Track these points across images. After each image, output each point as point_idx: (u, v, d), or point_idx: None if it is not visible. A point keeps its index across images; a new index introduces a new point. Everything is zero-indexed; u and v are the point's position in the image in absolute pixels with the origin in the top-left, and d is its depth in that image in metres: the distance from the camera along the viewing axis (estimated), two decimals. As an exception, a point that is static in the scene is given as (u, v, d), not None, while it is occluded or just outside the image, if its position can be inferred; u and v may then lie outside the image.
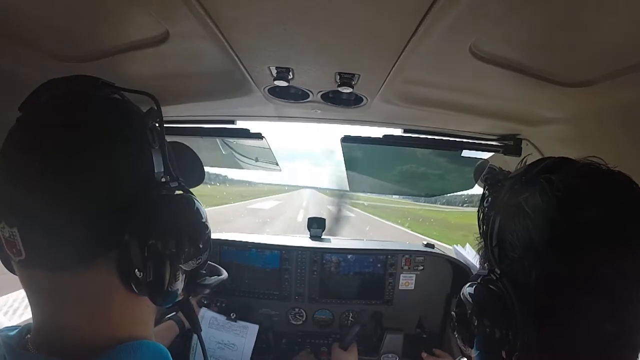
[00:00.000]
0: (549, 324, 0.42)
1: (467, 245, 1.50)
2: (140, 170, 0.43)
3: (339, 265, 1.54)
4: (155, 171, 0.43)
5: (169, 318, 1.27)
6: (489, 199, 0.51)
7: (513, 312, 0.42)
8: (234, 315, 1.41)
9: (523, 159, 0.53)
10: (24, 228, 0.38)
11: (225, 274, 0.58)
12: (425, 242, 1.69)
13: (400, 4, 0.49)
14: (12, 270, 0.45)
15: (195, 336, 1.33)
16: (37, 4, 0.53)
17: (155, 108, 0.45)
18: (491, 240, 0.47)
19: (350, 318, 1.56)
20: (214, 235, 1.71)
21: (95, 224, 0.39)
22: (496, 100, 0.85)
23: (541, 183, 0.43)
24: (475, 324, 0.48)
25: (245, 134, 1.17)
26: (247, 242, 1.56)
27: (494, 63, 0.63)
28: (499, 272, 0.45)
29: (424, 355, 1.37)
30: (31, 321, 0.45)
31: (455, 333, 0.54)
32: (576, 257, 0.40)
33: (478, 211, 0.53)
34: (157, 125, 0.45)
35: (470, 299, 0.49)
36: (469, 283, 0.50)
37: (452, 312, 0.54)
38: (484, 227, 0.50)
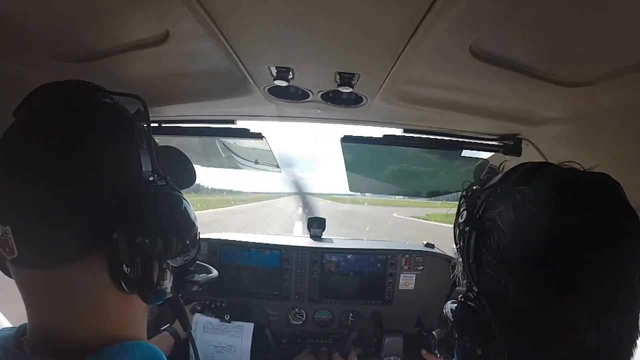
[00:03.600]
0: (530, 340, 0.41)
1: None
2: (128, 170, 0.44)
3: (339, 265, 1.54)
4: (143, 170, 0.44)
5: (165, 329, 1.26)
6: (464, 213, 0.49)
7: (493, 330, 0.42)
8: (228, 317, 1.41)
9: (501, 164, 0.52)
10: (17, 226, 0.39)
11: (215, 273, 0.58)
12: (425, 242, 1.69)
13: (400, 4, 0.49)
14: (6, 272, 0.45)
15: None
16: (37, 4, 0.53)
17: (143, 109, 0.47)
18: (468, 256, 0.46)
19: (350, 318, 1.56)
20: (213, 235, 1.71)
21: (85, 221, 0.40)
22: (496, 100, 0.85)
23: (514, 196, 0.42)
24: (457, 342, 0.48)
25: (245, 133, 1.17)
26: (247, 242, 1.56)
27: (494, 63, 0.63)
28: (476, 289, 0.45)
29: (424, 352, 1.37)
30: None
31: (436, 351, 0.53)
32: (554, 271, 0.39)
33: (454, 226, 0.51)
34: (144, 125, 0.47)
35: (450, 317, 0.48)
36: (450, 300, 0.49)
37: (433, 332, 0.54)
38: (461, 243, 0.49)
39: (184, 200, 0.47)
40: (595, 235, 0.39)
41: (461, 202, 0.52)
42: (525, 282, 0.40)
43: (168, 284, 0.44)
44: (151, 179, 0.45)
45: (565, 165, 0.45)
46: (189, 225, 0.47)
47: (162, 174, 0.46)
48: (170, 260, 0.44)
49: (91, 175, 0.41)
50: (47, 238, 0.39)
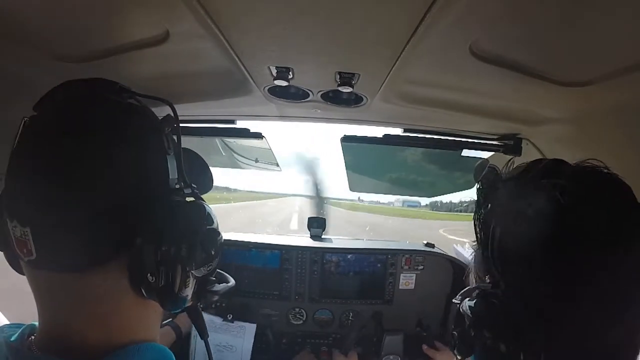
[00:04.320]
0: (556, 337, 0.41)
1: (467, 244, 1.49)
2: (154, 176, 0.43)
3: (339, 265, 1.54)
4: (170, 177, 0.43)
5: (166, 324, 1.26)
6: (487, 204, 0.48)
7: (518, 326, 0.41)
8: (231, 317, 1.41)
9: (510, 160, 0.51)
10: (37, 228, 0.38)
11: (232, 282, 0.57)
12: (425, 242, 1.69)
13: (400, 4, 0.49)
14: (19, 271, 0.45)
15: (193, 342, 1.33)
16: (37, 4, 0.53)
17: (172, 115, 0.45)
18: (491, 250, 0.45)
19: (350, 318, 1.56)
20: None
21: (108, 227, 0.39)
22: (496, 100, 0.85)
23: (547, 188, 0.41)
24: (478, 339, 0.46)
25: (245, 133, 1.17)
26: (247, 242, 1.56)
27: (494, 63, 0.63)
28: (502, 284, 0.44)
29: (425, 347, 1.37)
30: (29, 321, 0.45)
31: (455, 351, 0.51)
32: (588, 266, 0.39)
33: (474, 217, 0.50)
34: (172, 131, 0.45)
35: (470, 314, 0.46)
36: (468, 298, 0.48)
37: (453, 332, 0.52)
38: (482, 235, 0.48)
39: (208, 209, 0.46)
40: (630, 235, 0.39)
41: (480, 193, 0.50)
42: (556, 277, 0.40)
43: (189, 292, 0.44)
44: (177, 186, 0.44)
45: (589, 163, 0.45)
46: (215, 235, 0.46)
47: (188, 181, 0.45)
48: (194, 270, 0.43)
49: (115, 179, 0.40)
50: (67, 242, 0.38)
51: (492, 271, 0.45)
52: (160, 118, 0.45)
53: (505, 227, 0.44)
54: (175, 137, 0.45)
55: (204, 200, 0.47)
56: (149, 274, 0.40)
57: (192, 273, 0.43)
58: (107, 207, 0.39)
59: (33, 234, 0.38)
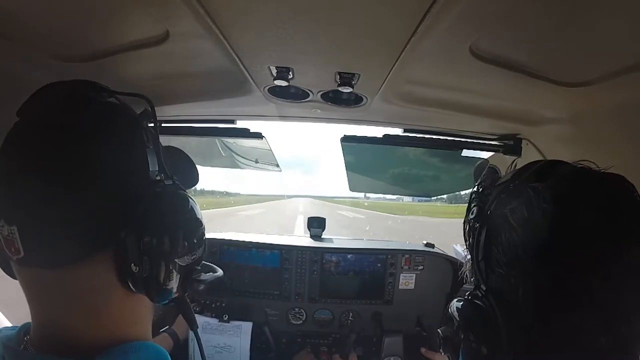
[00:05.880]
0: (538, 342, 0.40)
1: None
2: (135, 169, 0.44)
3: (339, 265, 1.54)
4: (150, 169, 0.44)
5: (164, 331, 1.27)
6: (475, 209, 0.48)
7: (500, 330, 0.41)
8: (227, 317, 1.41)
9: (513, 162, 0.51)
10: (23, 226, 0.39)
11: (220, 272, 0.58)
12: (425, 242, 1.70)
13: (400, 4, 0.49)
14: (9, 273, 0.45)
15: (191, 348, 1.33)
16: (37, 4, 0.53)
17: (150, 109, 0.46)
18: (477, 253, 0.45)
19: (350, 318, 1.56)
20: (214, 235, 1.71)
21: (92, 221, 0.40)
22: (496, 100, 0.85)
23: (527, 193, 0.41)
24: (462, 341, 0.47)
25: (245, 133, 1.17)
26: (247, 241, 1.56)
27: (494, 63, 0.63)
28: (484, 287, 0.44)
29: (423, 350, 1.37)
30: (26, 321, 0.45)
31: (441, 350, 0.52)
32: (566, 271, 0.38)
33: (464, 222, 0.51)
34: (151, 125, 0.46)
35: (457, 315, 0.47)
36: (457, 299, 0.49)
37: (438, 330, 0.53)
38: (470, 239, 0.48)
39: (190, 200, 0.47)
40: (608, 236, 0.38)
41: (472, 197, 0.51)
42: (535, 282, 0.40)
43: (175, 283, 0.44)
44: (158, 178, 0.45)
45: (579, 164, 0.44)
46: (197, 224, 0.47)
47: (169, 173, 0.46)
48: (178, 260, 0.44)
49: (98, 175, 0.41)
50: (53, 238, 0.39)
51: (477, 275, 0.46)
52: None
53: (488, 232, 0.44)
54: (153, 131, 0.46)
55: (185, 192, 0.47)
56: (132, 265, 0.41)
57: (176, 262, 0.43)
58: (90, 202, 0.40)
59: (20, 232, 0.39)
